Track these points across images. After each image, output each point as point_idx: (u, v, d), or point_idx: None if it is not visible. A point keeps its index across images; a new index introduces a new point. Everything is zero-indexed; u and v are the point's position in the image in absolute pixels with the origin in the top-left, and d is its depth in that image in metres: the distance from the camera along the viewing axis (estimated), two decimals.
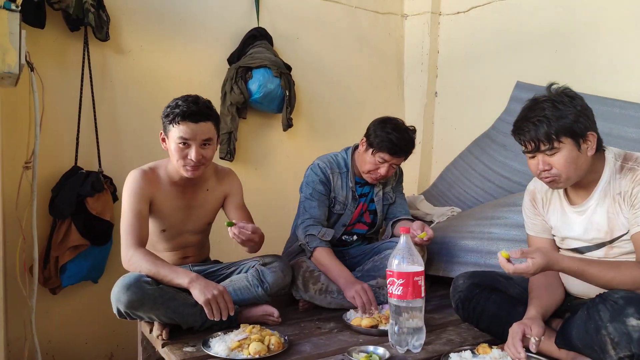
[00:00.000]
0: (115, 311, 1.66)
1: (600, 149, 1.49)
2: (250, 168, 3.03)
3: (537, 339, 1.39)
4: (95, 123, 2.50)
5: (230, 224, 1.74)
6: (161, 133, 1.85)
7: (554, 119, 1.40)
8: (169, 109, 1.78)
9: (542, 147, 1.43)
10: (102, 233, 2.35)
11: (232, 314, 1.67)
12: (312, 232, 2.10)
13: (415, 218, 2.66)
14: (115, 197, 2.49)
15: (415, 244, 1.98)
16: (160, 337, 1.66)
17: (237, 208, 2.02)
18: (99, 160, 2.48)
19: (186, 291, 1.73)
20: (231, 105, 2.82)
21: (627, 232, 1.44)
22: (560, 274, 1.62)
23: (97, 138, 2.50)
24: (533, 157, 1.49)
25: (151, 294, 1.62)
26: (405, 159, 2.17)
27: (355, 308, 1.93)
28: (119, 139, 2.64)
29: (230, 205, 2.03)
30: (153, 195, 1.85)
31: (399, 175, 2.40)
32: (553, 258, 1.37)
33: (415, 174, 3.54)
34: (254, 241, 1.78)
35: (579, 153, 1.43)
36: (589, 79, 2.54)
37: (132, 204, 1.79)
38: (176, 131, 1.75)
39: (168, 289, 1.68)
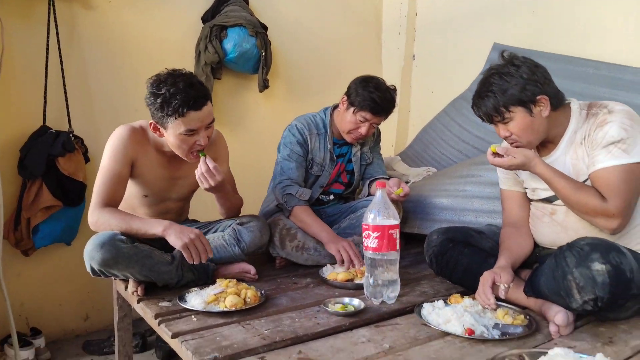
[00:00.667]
0: (88, 269, 1.62)
1: (561, 104, 1.53)
2: (226, 130, 2.97)
3: (506, 285, 1.44)
4: (64, 81, 2.41)
5: (204, 154, 1.70)
6: (151, 123, 1.69)
7: (500, 92, 1.46)
8: (161, 100, 1.58)
9: (495, 119, 1.51)
10: (75, 194, 2.31)
11: (210, 256, 1.63)
12: (290, 191, 2.10)
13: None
14: (87, 158, 2.43)
15: (392, 200, 2.00)
16: (135, 293, 1.65)
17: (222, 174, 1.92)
18: (69, 120, 2.41)
19: (162, 248, 1.72)
20: (205, 65, 2.76)
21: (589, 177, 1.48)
22: (531, 225, 1.67)
23: (66, 97, 2.42)
24: (495, 125, 1.56)
25: (126, 252, 1.59)
26: (385, 119, 2.17)
27: (333, 263, 1.95)
28: (90, 99, 2.56)
29: None
30: (137, 158, 1.75)
31: (376, 136, 2.40)
32: (532, 161, 1.47)
33: (393, 136, 3.56)
34: (219, 187, 1.73)
35: (533, 118, 1.48)
36: (565, 40, 2.55)
37: (112, 163, 1.70)
38: (179, 124, 1.61)
39: (143, 247, 1.66)
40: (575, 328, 1.41)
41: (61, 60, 2.39)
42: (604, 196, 1.40)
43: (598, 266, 1.24)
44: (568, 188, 1.44)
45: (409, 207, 2.33)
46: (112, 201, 1.70)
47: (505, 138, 1.55)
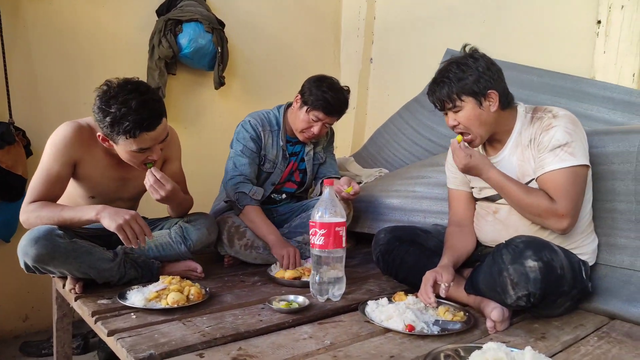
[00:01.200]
0: (22, 265, 1.53)
1: (510, 105, 1.58)
2: (180, 127, 2.93)
3: (446, 285, 1.47)
4: (5, 70, 2.30)
5: (151, 165, 1.64)
6: (99, 135, 1.58)
7: (456, 80, 1.51)
8: (111, 119, 1.48)
9: (447, 106, 1.55)
10: (14, 188, 2.21)
11: (150, 239, 1.57)
12: (242, 189, 2.07)
13: None
14: (30, 152, 2.33)
15: (342, 199, 2.02)
16: (73, 291, 1.58)
17: (173, 174, 1.86)
18: (10, 110, 2.30)
19: (105, 245, 1.67)
20: (159, 59, 2.70)
21: (534, 179, 1.53)
22: (475, 224, 1.72)
23: (7, 86, 2.31)
24: (445, 114, 1.59)
25: (63, 248, 1.51)
26: (338, 119, 2.17)
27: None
28: (35, 90, 2.46)
29: (166, 171, 1.83)
30: (81, 159, 1.65)
31: (330, 136, 2.41)
32: (486, 166, 1.53)
33: (349, 138, 3.59)
34: (169, 196, 1.65)
35: (481, 110, 1.52)
36: (512, 48, 2.64)
37: (51, 162, 1.60)
38: (131, 143, 1.53)
39: (83, 242, 1.59)
40: (511, 324, 1.46)
41: (3, 48, 2.28)
42: (552, 198, 1.45)
43: (531, 263, 1.29)
44: (519, 192, 1.49)
45: (360, 207, 2.35)
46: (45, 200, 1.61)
47: (453, 128, 1.58)
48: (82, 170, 1.68)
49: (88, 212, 1.56)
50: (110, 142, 1.58)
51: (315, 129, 2.10)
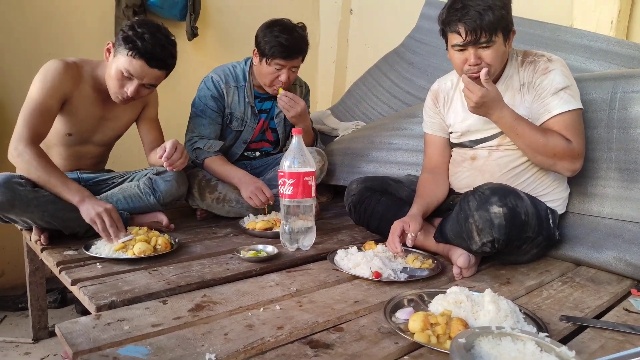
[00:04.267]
0: None
1: None
2: None
3: (413, 235, 1.46)
4: None
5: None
6: (108, 43, 1.68)
7: (497, 9, 1.36)
8: (132, 33, 1.61)
9: (482, 39, 1.38)
10: None
11: (123, 232, 1.54)
12: (198, 145, 2.02)
13: (321, 133, 2.66)
14: None
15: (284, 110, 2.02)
16: (38, 242, 1.56)
17: (151, 121, 1.96)
18: None
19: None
20: (127, 7, 2.59)
21: None
22: (450, 170, 1.70)
23: None
24: (462, 49, 1.43)
25: (23, 196, 1.49)
26: (302, 60, 2.05)
27: (256, 214, 1.93)
28: None
29: (145, 117, 1.96)
30: (70, 95, 1.68)
31: (305, 94, 2.29)
32: (500, 103, 1.40)
33: (329, 92, 3.52)
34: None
35: (505, 48, 1.45)
36: None
37: (43, 96, 1.61)
38: (126, 62, 1.62)
39: (46, 192, 1.56)
40: (479, 271, 1.48)
41: None
42: (567, 138, 1.42)
43: (495, 209, 1.29)
44: (534, 133, 1.41)
45: (336, 161, 2.33)
46: (37, 136, 1.61)
47: (469, 67, 1.42)
48: (69, 106, 1.72)
49: (73, 194, 1.56)
50: (111, 52, 1.67)
51: (283, 76, 1.99)
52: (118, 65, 1.64)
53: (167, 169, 1.73)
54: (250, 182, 1.92)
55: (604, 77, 1.65)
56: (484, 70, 1.38)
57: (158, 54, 1.63)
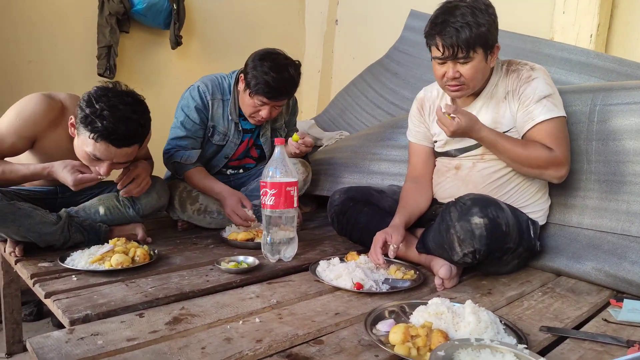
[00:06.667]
0: None
1: None
2: (136, 88, 2.74)
3: (395, 246, 1.45)
4: None
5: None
6: (71, 118, 1.55)
7: (475, 27, 1.36)
8: (89, 111, 1.45)
9: (459, 55, 1.40)
10: None
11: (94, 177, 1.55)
12: (175, 159, 1.96)
13: None
14: None
15: (295, 155, 1.97)
16: (13, 254, 1.52)
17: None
18: None
19: (46, 208, 1.59)
20: (110, 15, 2.57)
21: (509, 130, 1.51)
22: (434, 180, 1.70)
23: None
24: (443, 63, 1.45)
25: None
26: (288, 100, 1.99)
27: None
28: None
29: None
30: (44, 136, 1.60)
31: (292, 107, 2.22)
32: (476, 125, 1.43)
33: (314, 102, 3.53)
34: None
35: (486, 64, 1.45)
36: None
37: (10, 132, 1.54)
38: (89, 144, 1.48)
39: (22, 205, 1.52)
40: (461, 282, 1.48)
41: None
42: (549, 147, 1.43)
43: (477, 220, 1.29)
44: (515, 147, 1.43)
45: (320, 170, 2.32)
46: None
47: (448, 80, 1.45)
48: (41, 146, 1.63)
49: (36, 168, 1.54)
50: (75, 129, 1.53)
51: (263, 113, 1.91)
52: (83, 147, 1.51)
53: (122, 195, 1.69)
54: (228, 195, 1.89)
55: (583, 90, 1.68)
56: (438, 110, 1.44)
57: (122, 131, 1.47)
